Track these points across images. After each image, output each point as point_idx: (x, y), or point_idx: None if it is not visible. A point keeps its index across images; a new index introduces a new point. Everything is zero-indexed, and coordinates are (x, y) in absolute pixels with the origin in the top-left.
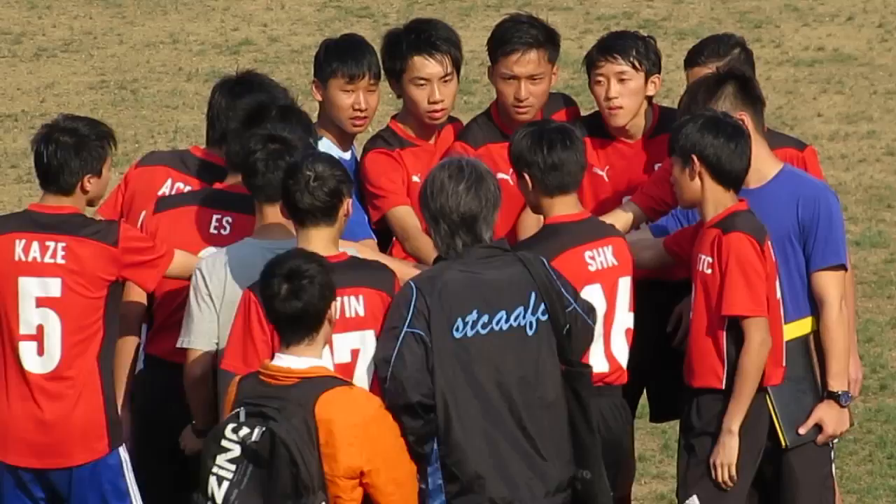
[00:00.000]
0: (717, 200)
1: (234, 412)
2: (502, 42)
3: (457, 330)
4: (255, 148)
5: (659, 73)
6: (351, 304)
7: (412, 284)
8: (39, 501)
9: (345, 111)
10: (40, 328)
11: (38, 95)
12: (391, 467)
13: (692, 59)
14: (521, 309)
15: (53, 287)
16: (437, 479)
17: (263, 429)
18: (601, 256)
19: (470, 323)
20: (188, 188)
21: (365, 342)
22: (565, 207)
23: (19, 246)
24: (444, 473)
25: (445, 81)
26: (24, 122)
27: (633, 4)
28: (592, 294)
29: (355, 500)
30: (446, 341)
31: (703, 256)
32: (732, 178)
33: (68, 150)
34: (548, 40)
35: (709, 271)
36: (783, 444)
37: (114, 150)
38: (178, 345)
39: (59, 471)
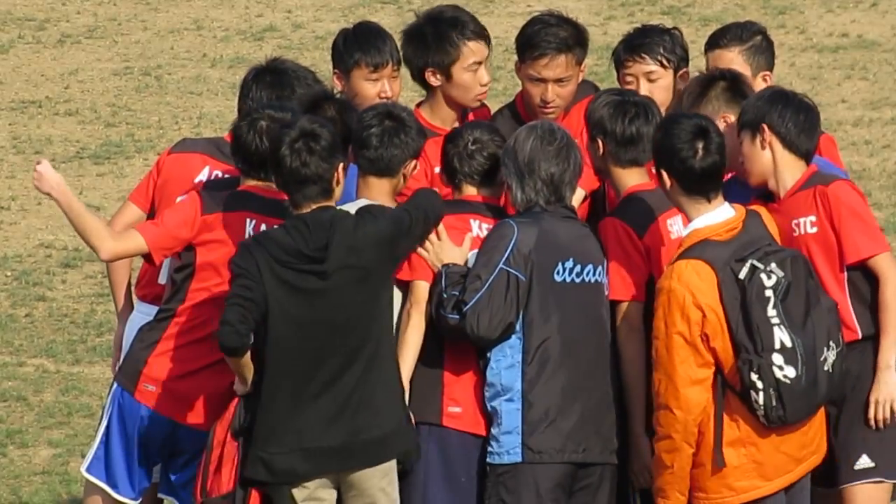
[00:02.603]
0: (793, 168)
1: (748, 268)
2: (531, 45)
3: (558, 274)
4: (371, 123)
5: (687, 66)
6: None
7: (512, 223)
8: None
9: (370, 100)
10: None
11: (63, 82)
12: None
13: (714, 42)
14: (600, 268)
15: None
16: (516, 417)
17: (774, 263)
18: (676, 225)
19: (568, 269)
20: (227, 175)
21: None
22: (638, 177)
23: (249, 225)
24: (523, 410)
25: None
26: (48, 109)
27: None
28: None
29: None
30: (548, 283)
31: (803, 219)
32: (803, 150)
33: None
34: (577, 43)
35: (814, 230)
36: None
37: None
38: None
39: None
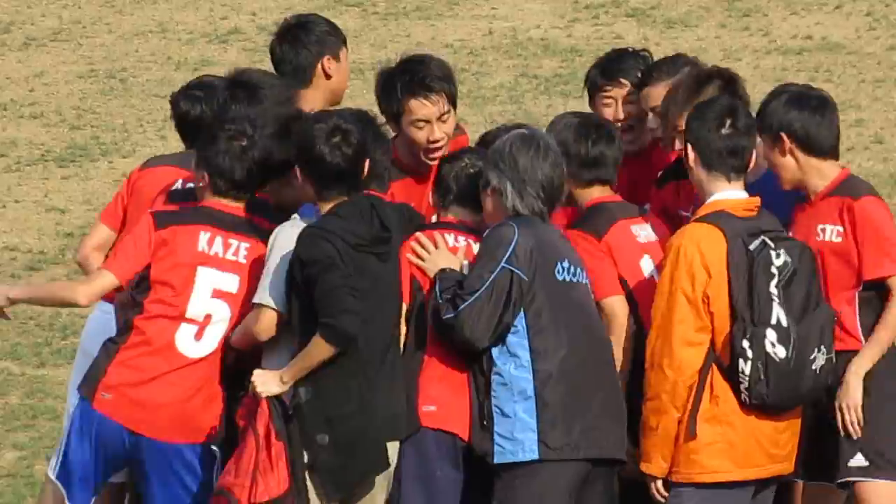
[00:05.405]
0: (820, 171)
1: (759, 242)
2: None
3: (559, 273)
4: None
5: None
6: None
7: (512, 224)
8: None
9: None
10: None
11: (27, 84)
12: None
13: (642, 81)
14: (585, 271)
15: (231, 283)
16: (531, 415)
17: (784, 249)
18: (644, 231)
19: (565, 269)
20: (190, 185)
21: None
22: (601, 192)
23: (203, 238)
24: (538, 408)
25: (443, 120)
26: (13, 112)
27: None
28: (645, 265)
29: None
30: (551, 281)
31: (829, 226)
32: (826, 149)
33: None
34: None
35: (838, 240)
36: None
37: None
38: (258, 300)
39: (165, 444)
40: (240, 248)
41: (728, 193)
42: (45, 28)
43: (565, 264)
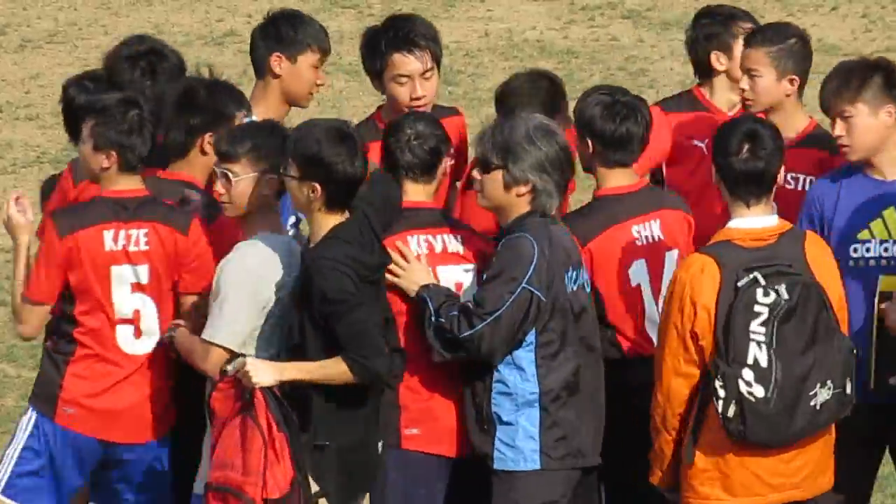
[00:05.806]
0: None
1: (749, 279)
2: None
3: (567, 284)
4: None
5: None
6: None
7: (530, 237)
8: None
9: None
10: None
11: (23, 86)
12: (837, 291)
13: (747, 40)
14: (584, 268)
15: (143, 273)
16: (535, 425)
17: (783, 284)
18: (647, 231)
19: (571, 278)
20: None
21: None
22: (620, 179)
23: (108, 237)
24: (541, 419)
25: (426, 77)
26: (9, 114)
27: None
28: (638, 269)
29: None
30: (562, 294)
31: None
32: None
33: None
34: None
35: None
36: None
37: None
38: (209, 338)
39: (126, 446)
40: (139, 237)
41: (742, 221)
42: (40, 30)
43: (571, 273)
